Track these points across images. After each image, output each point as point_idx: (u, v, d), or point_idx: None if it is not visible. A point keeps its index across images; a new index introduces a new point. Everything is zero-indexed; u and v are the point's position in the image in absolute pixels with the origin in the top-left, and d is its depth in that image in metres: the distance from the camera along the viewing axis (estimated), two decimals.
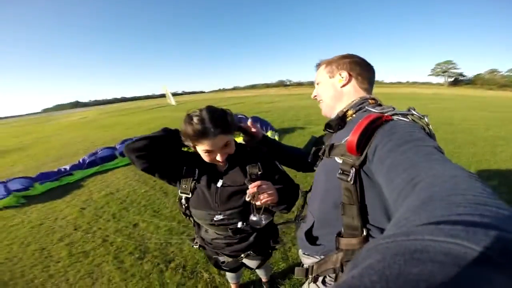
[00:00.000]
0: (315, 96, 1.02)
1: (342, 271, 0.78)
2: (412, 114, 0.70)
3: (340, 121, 0.85)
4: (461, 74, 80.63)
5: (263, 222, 1.08)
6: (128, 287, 2.15)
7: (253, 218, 1.08)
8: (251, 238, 1.25)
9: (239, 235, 1.22)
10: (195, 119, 0.95)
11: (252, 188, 0.98)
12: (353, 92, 0.89)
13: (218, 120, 0.97)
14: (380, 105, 0.83)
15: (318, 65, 1.02)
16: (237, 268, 1.53)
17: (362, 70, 0.90)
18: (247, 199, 1.00)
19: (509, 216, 0.27)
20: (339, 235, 0.79)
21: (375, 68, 0.95)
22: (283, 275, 2.10)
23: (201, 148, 1.01)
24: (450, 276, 0.18)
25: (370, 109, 0.79)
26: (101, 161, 5.57)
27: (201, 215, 1.15)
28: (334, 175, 0.75)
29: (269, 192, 1.00)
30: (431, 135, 0.67)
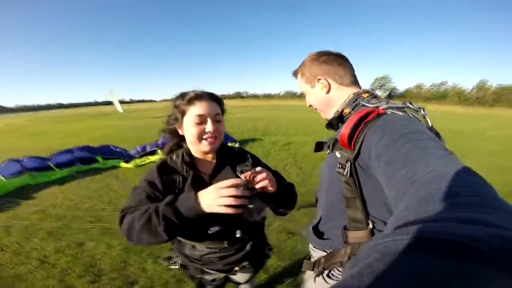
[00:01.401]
0: (310, 106, 0.99)
1: None
2: (408, 107, 0.71)
3: (338, 120, 0.86)
4: (394, 88, 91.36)
5: (256, 216, 0.95)
6: None
7: (249, 206, 0.91)
8: (248, 247, 1.09)
9: (236, 246, 1.06)
10: (189, 91, 0.97)
11: (247, 172, 0.85)
12: (340, 92, 0.87)
13: (213, 94, 1.00)
14: (375, 97, 0.82)
15: (295, 74, 1.00)
16: (221, 285, 1.32)
17: (335, 67, 0.87)
18: (241, 176, 0.84)
19: (508, 212, 0.27)
20: (345, 228, 0.79)
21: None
22: (267, 287, 1.99)
23: (193, 114, 0.92)
24: (450, 276, 0.18)
25: (365, 103, 0.77)
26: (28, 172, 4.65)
27: (191, 230, 0.95)
28: (335, 169, 0.76)
29: (267, 175, 0.86)
30: (429, 128, 0.68)
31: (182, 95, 0.96)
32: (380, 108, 0.69)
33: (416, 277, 0.18)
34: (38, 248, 2.59)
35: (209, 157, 1.02)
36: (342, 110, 0.83)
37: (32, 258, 2.43)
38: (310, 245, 0.98)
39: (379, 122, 0.65)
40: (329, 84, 0.87)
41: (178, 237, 1.05)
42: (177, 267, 1.16)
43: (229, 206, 0.76)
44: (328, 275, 0.86)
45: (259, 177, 0.83)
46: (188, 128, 0.94)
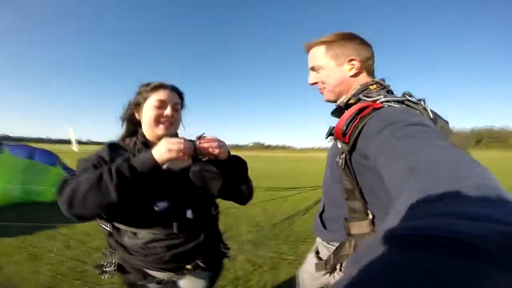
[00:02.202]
0: (315, 83, 0.92)
1: None
2: (408, 100, 0.70)
3: (342, 110, 0.83)
4: None
5: (210, 182, 0.91)
6: None
7: (196, 167, 0.90)
8: (201, 236, 0.95)
9: (186, 233, 0.93)
10: (155, 81, 1.00)
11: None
12: (362, 79, 0.84)
13: (176, 87, 1.03)
14: (384, 88, 0.81)
15: (310, 46, 0.90)
16: None
17: (369, 54, 0.85)
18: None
19: (510, 206, 0.26)
20: (346, 220, 0.79)
21: None
22: None
23: (154, 98, 0.95)
24: (453, 273, 0.18)
25: (362, 97, 0.77)
26: None
27: (135, 206, 0.85)
28: (335, 159, 0.76)
29: (215, 139, 0.88)
30: (433, 119, 0.67)
31: (147, 84, 1.00)
32: (377, 102, 0.69)
33: (416, 276, 0.18)
34: None
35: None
36: (348, 100, 0.82)
37: None
38: (318, 240, 0.96)
39: (377, 115, 0.64)
40: (359, 67, 0.83)
41: (116, 224, 0.91)
42: (112, 269, 0.94)
43: (179, 154, 0.78)
44: (341, 270, 0.83)
45: (205, 139, 0.86)
46: (147, 111, 0.95)
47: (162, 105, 0.95)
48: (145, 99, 0.96)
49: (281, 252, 2.74)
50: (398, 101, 0.69)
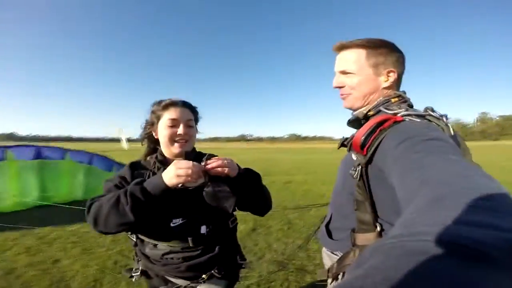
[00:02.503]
0: (340, 86, 0.86)
1: None
2: (429, 115, 0.68)
3: (361, 121, 0.81)
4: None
5: (222, 202, 0.91)
6: None
7: (208, 188, 0.90)
8: (216, 249, 1.00)
9: (201, 246, 0.98)
10: (167, 99, 1.03)
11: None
12: (390, 91, 0.82)
13: (187, 102, 1.06)
14: (405, 101, 0.78)
15: (346, 46, 0.84)
16: None
17: (403, 67, 0.83)
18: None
19: None
20: (353, 230, 0.78)
21: None
22: None
23: (167, 117, 0.98)
24: (456, 278, 0.18)
25: (383, 109, 0.75)
26: None
27: (154, 221, 0.92)
28: (349, 171, 0.76)
29: (224, 161, 0.90)
30: (452, 136, 0.64)
31: (159, 102, 1.03)
32: (398, 115, 0.68)
33: (421, 280, 0.18)
34: (6, 260, 2.44)
35: (179, 157, 1.02)
36: (368, 112, 0.80)
37: None
38: (324, 250, 0.95)
39: (398, 128, 0.63)
40: (395, 81, 0.81)
41: (140, 236, 0.99)
42: (138, 274, 1.04)
43: (187, 179, 0.81)
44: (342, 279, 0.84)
45: (213, 160, 0.89)
46: (162, 131, 0.99)
47: (174, 123, 0.98)
48: (158, 118, 1.00)
49: (310, 254, 2.70)
50: (419, 116, 0.68)
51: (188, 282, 1.02)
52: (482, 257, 0.19)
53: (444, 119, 0.68)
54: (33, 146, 4.68)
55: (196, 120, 1.08)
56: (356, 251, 0.77)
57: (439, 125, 0.66)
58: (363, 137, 0.66)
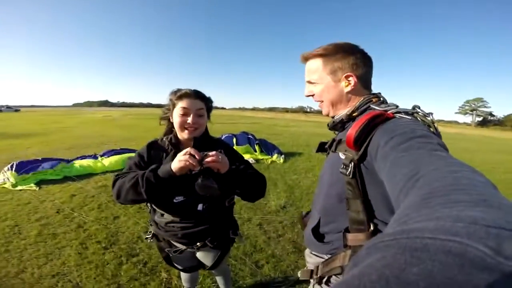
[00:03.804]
0: (311, 95, 0.92)
1: None
2: (417, 112, 0.70)
3: (344, 123, 0.86)
4: (490, 114, 75.76)
5: (208, 191, 1.04)
6: (79, 272, 2.09)
7: (199, 180, 1.04)
8: (209, 224, 1.23)
9: (196, 220, 1.22)
10: (183, 88, 1.17)
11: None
12: (358, 94, 0.85)
13: (200, 93, 1.19)
14: (383, 102, 0.82)
15: (306, 58, 0.90)
16: (192, 268, 1.46)
17: (366, 68, 0.84)
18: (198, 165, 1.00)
19: (509, 212, 0.26)
20: (346, 231, 0.79)
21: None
22: None
23: (179, 106, 1.13)
24: (451, 276, 0.18)
25: (374, 106, 0.78)
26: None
27: (163, 196, 1.13)
28: (338, 170, 0.76)
29: (217, 157, 1.00)
30: (436, 134, 0.66)
31: (175, 91, 1.18)
32: (389, 111, 0.71)
33: (417, 279, 0.18)
34: (82, 215, 3.12)
35: (190, 142, 1.18)
36: (351, 113, 0.83)
37: (74, 222, 2.95)
38: (307, 251, 0.99)
39: (388, 125, 0.65)
40: (356, 84, 0.82)
41: (152, 206, 1.25)
42: (150, 236, 1.34)
43: (186, 164, 0.97)
44: (326, 283, 0.86)
45: (209, 155, 1.00)
46: (175, 118, 1.15)
47: (186, 112, 1.13)
48: (173, 105, 1.16)
49: None
50: (407, 113, 0.70)
51: (185, 247, 1.28)
52: (479, 255, 0.19)
53: (430, 116, 0.70)
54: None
55: (209, 109, 1.24)
56: (347, 252, 0.78)
57: (425, 122, 0.68)
58: (356, 132, 0.67)
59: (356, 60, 0.82)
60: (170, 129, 1.25)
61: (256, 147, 6.77)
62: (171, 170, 0.99)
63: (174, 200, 1.16)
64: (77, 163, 5.06)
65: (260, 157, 6.55)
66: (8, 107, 54.89)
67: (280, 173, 5.32)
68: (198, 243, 1.26)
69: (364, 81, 0.84)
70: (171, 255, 1.35)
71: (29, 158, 5.15)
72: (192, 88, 1.18)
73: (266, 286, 2.02)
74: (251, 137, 7.22)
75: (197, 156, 0.98)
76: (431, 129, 0.67)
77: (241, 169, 1.14)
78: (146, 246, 2.45)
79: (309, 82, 0.90)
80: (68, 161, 5.16)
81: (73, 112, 44.26)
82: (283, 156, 6.68)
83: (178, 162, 0.98)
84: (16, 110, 50.44)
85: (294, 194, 4.11)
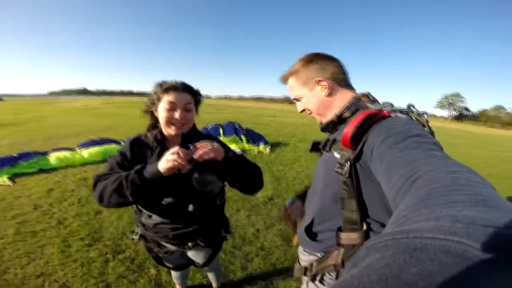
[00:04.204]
0: (303, 110, 0.95)
1: (343, 267, 0.79)
2: (412, 111, 0.71)
3: (336, 123, 0.85)
4: (466, 109, 79.47)
5: (207, 186, 1.01)
6: (64, 271, 2.00)
7: (195, 175, 1.00)
8: (201, 224, 1.18)
9: (187, 221, 1.16)
10: (169, 80, 1.08)
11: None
12: (341, 94, 0.85)
13: (188, 85, 1.09)
14: (373, 101, 0.83)
15: (284, 80, 0.96)
16: (183, 266, 1.42)
17: (332, 68, 0.86)
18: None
19: (510, 212, 0.26)
20: (339, 229, 0.80)
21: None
22: (237, 285, 1.95)
23: (166, 100, 1.03)
24: (450, 276, 0.18)
25: (369, 105, 0.78)
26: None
27: (150, 198, 1.05)
28: (333, 170, 0.76)
29: (207, 146, 0.95)
30: (431, 133, 0.67)
31: (161, 84, 1.08)
32: (385, 110, 0.70)
33: (416, 279, 0.18)
34: (62, 210, 2.98)
35: (177, 138, 1.13)
36: (341, 114, 0.82)
37: (53, 218, 2.80)
38: (300, 249, 0.99)
39: (384, 124, 0.65)
40: (329, 85, 0.85)
41: (138, 207, 1.17)
42: (137, 237, 1.27)
43: (174, 164, 0.89)
44: (320, 281, 0.88)
45: (198, 147, 0.95)
46: (161, 113, 1.06)
47: (173, 107, 1.03)
48: (158, 99, 1.06)
49: None
50: (402, 112, 0.70)
51: (176, 247, 1.22)
52: (477, 254, 0.19)
53: (425, 116, 0.70)
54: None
55: (197, 102, 1.14)
56: (340, 250, 0.80)
57: (420, 122, 0.68)
58: (353, 131, 0.67)
59: (318, 65, 0.86)
60: (155, 124, 1.15)
61: (243, 137, 6.72)
62: (158, 171, 0.91)
63: (163, 202, 1.09)
64: (53, 155, 4.79)
65: (246, 147, 6.51)
66: None
67: (267, 164, 5.31)
68: (189, 243, 1.21)
69: (338, 79, 0.86)
70: (160, 255, 1.30)
71: (3, 153, 4.84)
72: (179, 80, 1.08)
73: (257, 279, 2.03)
74: (237, 127, 7.14)
75: (185, 155, 0.91)
76: (426, 128, 0.67)
77: (236, 156, 1.09)
78: (132, 242, 2.36)
79: (295, 99, 0.95)
80: (44, 153, 4.88)
81: (48, 101, 41.92)
82: (269, 146, 6.67)
83: (166, 162, 0.90)
84: (0, 99, 47.75)
85: (280, 185, 4.12)
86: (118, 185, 0.95)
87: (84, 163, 4.77)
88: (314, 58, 0.88)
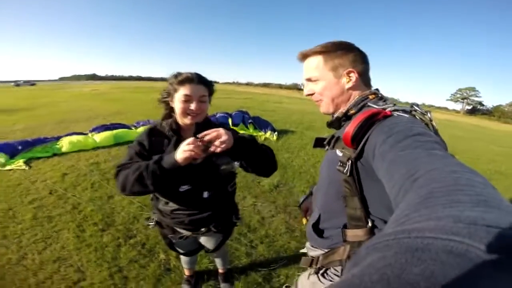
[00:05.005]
0: (311, 94, 0.91)
1: None
2: (415, 110, 0.70)
3: (342, 120, 0.86)
4: (480, 103, 78.07)
5: (227, 168, 1.06)
6: (79, 256, 2.11)
7: (218, 162, 1.07)
8: (214, 210, 1.26)
9: (202, 206, 1.24)
10: (184, 72, 1.12)
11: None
12: (358, 90, 0.84)
13: (203, 77, 1.14)
14: (381, 98, 0.82)
15: (305, 55, 0.89)
16: (193, 251, 1.50)
17: (364, 64, 0.85)
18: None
19: (508, 212, 0.26)
20: (345, 227, 0.81)
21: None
22: (242, 271, 2.03)
23: (182, 93, 1.08)
24: (452, 276, 0.18)
25: (371, 104, 0.77)
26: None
27: (168, 186, 1.12)
28: (335, 168, 0.76)
29: (222, 139, 0.97)
30: (435, 132, 0.66)
31: (176, 76, 1.13)
32: (387, 109, 0.70)
33: (417, 279, 0.18)
34: (76, 195, 3.10)
35: (192, 127, 1.18)
36: (347, 111, 0.83)
37: (68, 203, 2.92)
38: (308, 244, 1.01)
39: (386, 123, 0.65)
40: (357, 80, 0.83)
41: (156, 194, 1.25)
42: (153, 223, 1.36)
43: (191, 154, 0.95)
44: (323, 275, 0.89)
45: (208, 134, 0.97)
46: (177, 104, 1.11)
47: (188, 99, 1.09)
48: (175, 90, 1.11)
49: None
50: (405, 111, 0.69)
51: (191, 233, 1.31)
52: (479, 254, 0.20)
53: (429, 114, 0.69)
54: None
55: (211, 93, 1.19)
56: (346, 247, 0.80)
57: (423, 121, 0.67)
58: (354, 130, 0.67)
59: (355, 57, 0.83)
60: (169, 113, 1.20)
61: (249, 126, 6.74)
62: (176, 161, 0.97)
63: (180, 189, 1.16)
64: (66, 139, 4.93)
65: (253, 133, 6.54)
66: (25, 81, 60.85)
67: (274, 151, 5.33)
68: (202, 229, 1.29)
69: (365, 77, 0.85)
70: (174, 241, 1.38)
71: (17, 137, 4.99)
72: (193, 72, 1.12)
73: (260, 266, 2.11)
74: (246, 115, 7.19)
75: (199, 146, 0.96)
76: (429, 127, 0.66)
77: (244, 136, 1.12)
78: (143, 227, 2.48)
79: (309, 79, 0.89)
80: (57, 138, 5.04)
81: (59, 86, 42.46)
82: (276, 133, 6.67)
83: (183, 152, 0.96)
84: (32, 84, 53.55)
85: (287, 173, 4.15)
86: (138, 175, 1.01)
87: (96, 147, 4.93)
88: (353, 49, 0.85)
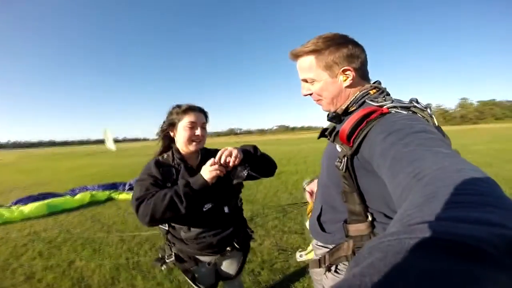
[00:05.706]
0: (309, 94, 0.88)
1: None
2: (414, 106, 0.68)
3: (341, 116, 0.84)
4: None
5: (244, 173, 1.13)
6: None
7: (242, 173, 1.13)
8: (235, 224, 1.29)
9: (226, 223, 1.25)
10: (182, 104, 1.22)
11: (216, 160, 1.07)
12: (358, 87, 0.81)
13: (202, 108, 1.26)
14: (383, 92, 0.79)
15: (296, 55, 0.85)
16: (212, 285, 1.39)
17: (361, 59, 0.80)
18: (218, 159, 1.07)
19: None
20: (346, 222, 0.81)
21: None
22: None
23: (187, 120, 1.17)
24: (455, 277, 0.18)
25: (369, 102, 0.75)
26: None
27: (193, 208, 1.12)
28: (333, 163, 0.77)
29: (232, 155, 1.07)
30: (436, 127, 0.65)
31: (179, 106, 1.22)
32: (385, 107, 0.68)
33: (419, 279, 0.18)
34: (24, 265, 2.56)
35: (194, 154, 1.24)
36: (347, 108, 0.81)
37: (17, 273, 2.41)
38: (313, 242, 1.00)
39: (384, 120, 0.63)
40: (354, 78, 0.79)
41: (172, 224, 1.21)
42: (172, 259, 1.26)
43: (217, 172, 1.04)
44: (336, 271, 0.86)
45: (223, 156, 1.07)
46: (181, 132, 1.18)
47: (193, 125, 1.17)
48: (179, 120, 1.18)
49: (305, 237, 2.92)
50: (404, 107, 0.67)
51: (216, 257, 1.27)
52: (480, 255, 0.19)
53: (428, 110, 0.67)
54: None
55: (207, 122, 1.28)
56: (350, 242, 0.79)
57: (423, 117, 0.66)
58: (349, 129, 0.66)
59: (349, 51, 0.78)
60: (169, 145, 1.27)
61: None
62: (205, 180, 1.04)
63: (203, 209, 1.18)
64: None
65: None
66: None
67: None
68: (228, 248, 1.27)
69: (362, 71, 0.81)
70: (196, 275, 1.30)
71: None
72: (189, 103, 1.24)
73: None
74: None
75: (222, 162, 1.06)
76: (430, 123, 0.65)
77: (247, 150, 1.22)
78: (127, 285, 2.18)
79: (305, 80, 0.86)
80: None
81: None
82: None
83: (209, 172, 1.03)
84: None
85: (255, 207, 4.25)
86: (169, 201, 1.02)
87: (28, 218, 4.19)
88: (345, 42, 0.78)
